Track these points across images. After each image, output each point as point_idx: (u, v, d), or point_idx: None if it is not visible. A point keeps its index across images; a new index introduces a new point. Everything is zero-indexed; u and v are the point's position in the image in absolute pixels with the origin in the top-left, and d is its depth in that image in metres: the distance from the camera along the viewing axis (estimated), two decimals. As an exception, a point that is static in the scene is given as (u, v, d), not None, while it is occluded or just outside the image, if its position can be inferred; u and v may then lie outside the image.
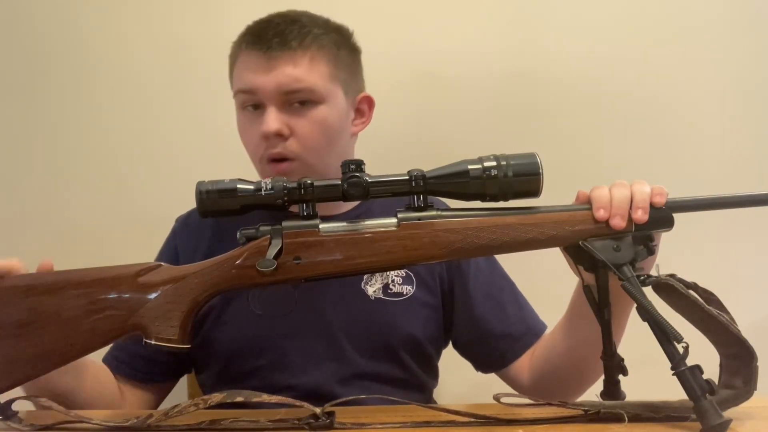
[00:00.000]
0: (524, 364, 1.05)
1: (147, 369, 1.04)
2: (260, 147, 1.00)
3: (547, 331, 1.06)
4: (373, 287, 1.03)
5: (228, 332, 1.02)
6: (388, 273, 1.04)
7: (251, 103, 1.01)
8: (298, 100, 0.99)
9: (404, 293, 1.04)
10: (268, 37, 0.99)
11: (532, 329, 1.07)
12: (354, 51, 1.07)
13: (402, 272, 1.05)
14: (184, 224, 1.13)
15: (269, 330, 1.00)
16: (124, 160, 1.51)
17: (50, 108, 1.51)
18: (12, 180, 1.51)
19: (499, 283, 1.10)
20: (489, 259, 1.11)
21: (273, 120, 0.97)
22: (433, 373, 1.12)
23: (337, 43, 1.03)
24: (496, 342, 1.06)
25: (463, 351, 1.11)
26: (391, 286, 1.04)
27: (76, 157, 1.51)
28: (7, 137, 1.51)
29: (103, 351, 1.04)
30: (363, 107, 1.08)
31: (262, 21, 1.03)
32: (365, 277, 1.03)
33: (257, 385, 0.99)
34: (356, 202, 1.07)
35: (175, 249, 1.10)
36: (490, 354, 1.07)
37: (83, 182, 1.51)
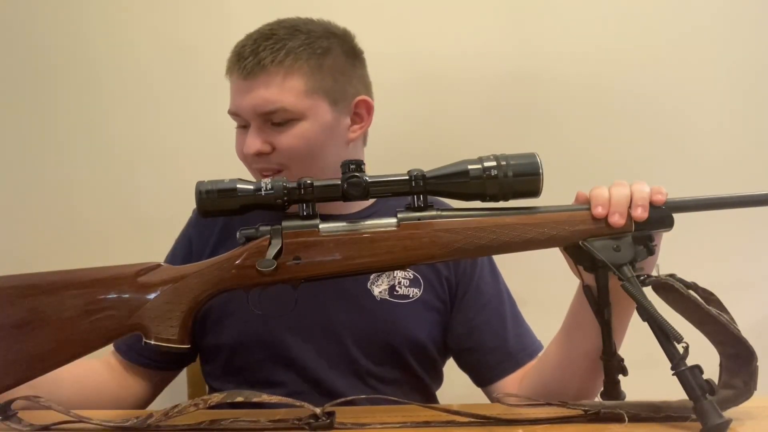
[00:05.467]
0: (513, 384, 1.03)
1: (151, 356, 1.05)
2: (248, 160, 1.02)
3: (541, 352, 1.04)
4: (379, 288, 1.03)
5: (234, 324, 1.03)
6: (395, 275, 1.03)
7: (240, 123, 1.02)
8: (274, 120, 0.98)
9: (410, 296, 1.04)
10: (244, 57, 0.98)
11: (527, 348, 1.05)
12: (349, 55, 1.03)
13: (409, 274, 1.04)
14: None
15: (274, 324, 1.00)
16: (126, 161, 1.51)
17: (54, 110, 1.51)
18: (15, 181, 1.51)
19: (502, 297, 1.08)
20: (493, 272, 1.10)
21: (252, 142, 0.98)
22: (438, 378, 1.11)
23: (322, 52, 0.99)
24: (489, 354, 1.05)
25: (457, 358, 1.10)
26: (397, 288, 1.03)
27: (79, 159, 1.51)
28: (11, 140, 1.51)
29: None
30: (361, 111, 1.04)
31: (243, 40, 1.01)
32: (372, 277, 1.03)
33: (261, 378, 1.01)
34: (368, 202, 1.07)
35: (190, 240, 1.10)
36: (482, 365, 1.06)
37: (85, 183, 1.51)
